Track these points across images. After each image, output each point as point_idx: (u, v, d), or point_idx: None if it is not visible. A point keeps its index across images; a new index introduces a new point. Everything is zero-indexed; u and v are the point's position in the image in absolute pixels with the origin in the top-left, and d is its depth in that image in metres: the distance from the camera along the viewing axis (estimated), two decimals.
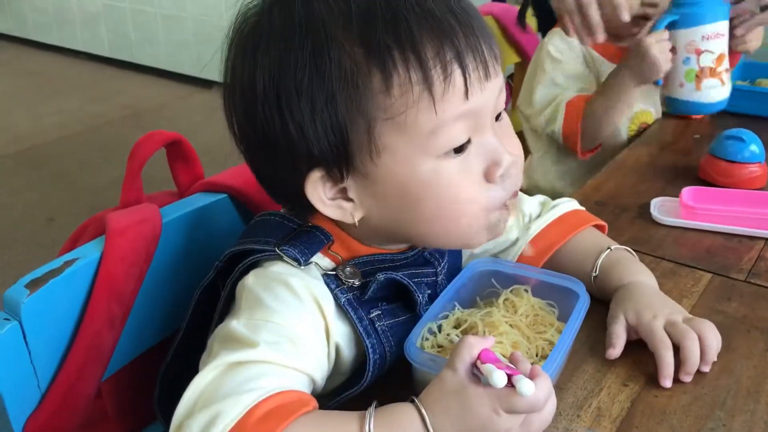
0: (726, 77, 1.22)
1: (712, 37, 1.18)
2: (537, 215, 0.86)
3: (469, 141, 0.62)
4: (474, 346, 0.58)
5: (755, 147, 1.07)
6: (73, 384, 0.71)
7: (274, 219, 0.70)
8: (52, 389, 0.70)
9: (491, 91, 0.62)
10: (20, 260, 2.40)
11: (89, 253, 0.73)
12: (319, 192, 0.63)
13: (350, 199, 0.64)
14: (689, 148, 1.25)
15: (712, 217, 0.97)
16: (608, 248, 0.80)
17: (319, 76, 0.58)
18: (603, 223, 0.88)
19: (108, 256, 0.73)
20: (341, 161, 0.61)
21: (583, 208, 0.88)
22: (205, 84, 4.06)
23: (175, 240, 0.81)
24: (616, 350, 0.71)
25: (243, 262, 0.67)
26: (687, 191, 1.01)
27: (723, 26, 1.19)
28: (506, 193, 0.66)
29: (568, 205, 0.87)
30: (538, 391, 0.54)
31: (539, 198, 0.89)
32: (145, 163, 0.84)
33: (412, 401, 0.56)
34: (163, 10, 4.17)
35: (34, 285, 0.68)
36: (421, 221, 0.64)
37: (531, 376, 0.55)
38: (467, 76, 0.59)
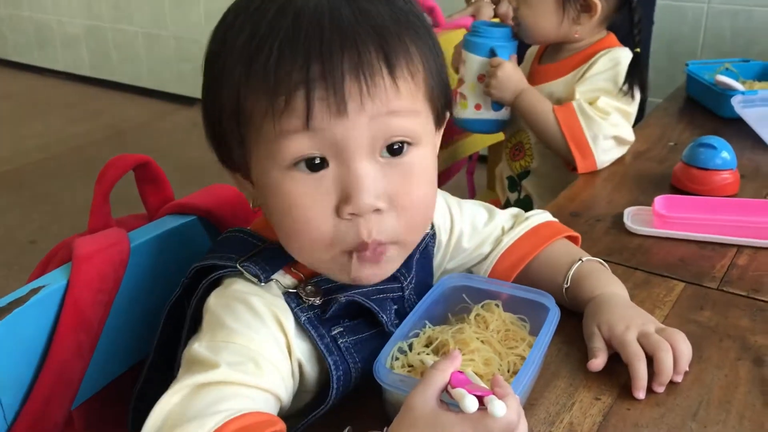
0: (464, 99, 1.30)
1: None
2: (510, 228, 0.85)
3: (326, 163, 0.60)
4: (445, 370, 0.57)
5: (726, 154, 1.08)
6: (40, 412, 0.70)
7: (238, 236, 0.70)
8: (18, 420, 0.69)
9: (354, 125, 0.58)
10: (1, 284, 2.38)
11: (55, 280, 0.72)
12: (232, 168, 0.67)
13: (252, 182, 0.67)
14: (664, 156, 1.25)
15: (684, 225, 0.97)
16: (579, 260, 0.80)
17: (214, 51, 0.63)
18: (576, 234, 0.88)
19: (74, 283, 0.72)
20: (220, 148, 0.66)
21: (556, 220, 0.88)
22: (187, 101, 4.06)
23: (144, 264, 0.80)
24: (598, 361, 0.71)
25: (206, 278, 0.67)
26: (659, 200, 1.01)
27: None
28: (355, 238, 0.61)
29: (541, 216, 0.87)
30: (510, 411, 0.54)
31: (512, 210, 0.89)
32: (113, 187, 0.83)
33: (383, 431, 0.56)
34: (143, 29, 4.17)
35: None
36: (277, 228, 0.65)
37: (500, 397, 0.55)
38: (309, 103, 0.57)
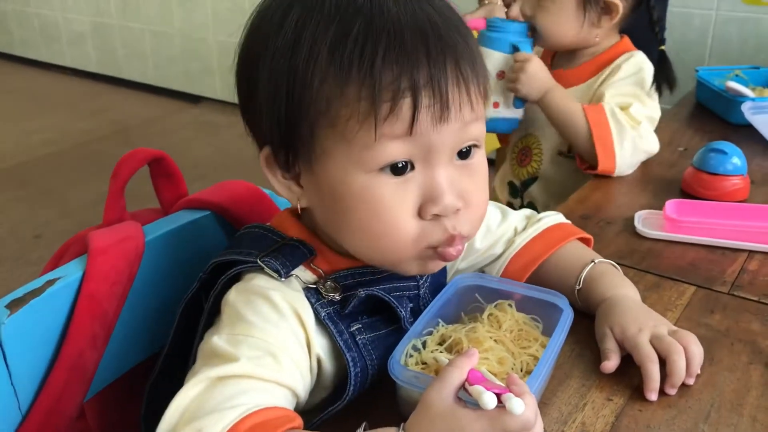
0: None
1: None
2: (522, 229, 0.86)
3: (411, 167, 0.62)
4: (462, 368, 0.58)
5: (737, 159, 1.08)
6: (54, 405, 0.70)
7: (258, 232, 0.71)
8: (32, 410, 0.69)
9: (449, 131, 0.61)
10: (6, 278, 2.38)
11: (71, 272, 0.73)
12: (272, 168, 0.67)
13: (301, 186, 0.67)
14: (674, 161, 1.26)
15: (695, 229, 0.97)
16: (592, 261, 0.81)
17: (288, 61, 0.61)
18: (588, 236, 0.88)
19: (90, 275, 0.72)
20: (287, 149, 0.64)
21: (569, 222, 0.89)
22: (193, 99, 4.07)
23: (159, 258, 0.80)
24: (611, 362, 0.71)
25: (225, 273, 0.67)
26: (670, 204, 1.01)
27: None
28: (438, 237, 0.64)
29: (553, 218, 0.87)
30: (527, 409, 0.54)
31: (525, 212, 0.89)
32: (128, 181, 0.84)
33: (400, 427, 0.56)
34: (151, 26, 4.18)
35: (14, 305, 0.68)
36: (349, 230, 0.65)
37: (516, 395, 0.55)
38: (416, 110, 0.59)
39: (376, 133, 0.59)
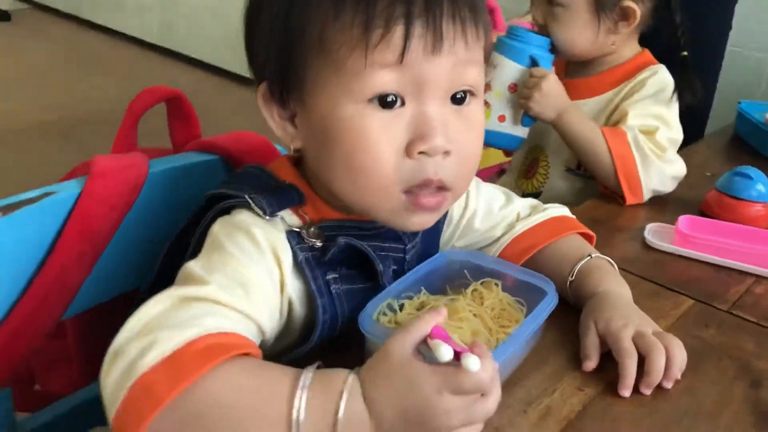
0: (487, 107, 1.17)
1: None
2: (526, 216, 0.85)
3: (402, 102, 0.61)
4: (427, 321, 0.57)
5: (762, 186, 1.05)
6: (31, 313, 0.71)
7: (253, 171, 0.71)
8: (10, 315, 0.70)
9: (441, 66, 0.61)
10: None
11: (69, 188, 0.74)
12: (269, 106, 0.67)
13: (296, 127, 0.67)
14: (698, 183, 1.22)
15: (705, 246, 0.95)
16: (589, 255, 0.79)
17: None
18: (591, 233, 0.86)
19: (87, 194, 0.73)
20: (282, 81, 0.64)
21: (574, 217, 0.87)
22: (244, 81, 4.11)
23: (160, 192, 0.81)
24: (592, 362, 0.69)
25: (214, 207, 0.67)
26: (684, 219, 0.99)
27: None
28: (420, 175, 0.62)
29: (558, 210, 0.86)
30: (483, 369, 0.53)
31: (531, 201, 0.88)
32: (141, 115, 0.85)
33: (354, 371, 0.56)
34: (210, 5, 4.24)
35: (7, 209, 0.69)
36: (333, 165, 0.64)
37: (477, 355, 0.54)
38: (408, 39, 0.59)
39: (367, 60, 0.59)
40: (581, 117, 1.14)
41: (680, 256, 0.95)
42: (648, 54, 1.22)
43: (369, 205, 0.65)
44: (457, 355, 0.53)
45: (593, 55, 1.20)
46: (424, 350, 0.56)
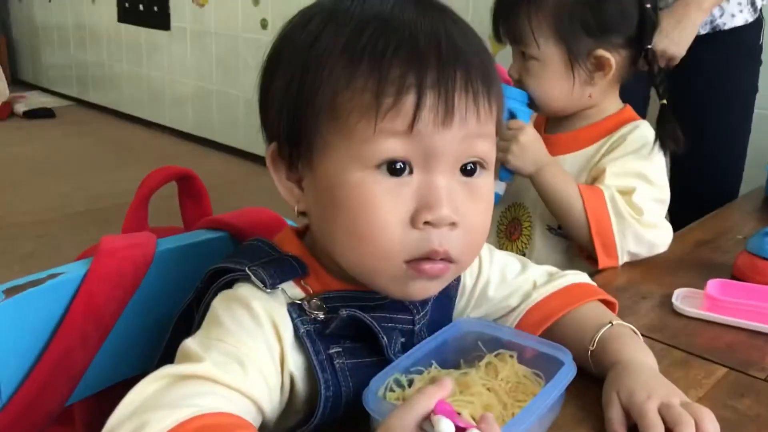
0: None
1: None
2: (543, 283, 0.82)
3: (410, 170, 0.61)
4: (430, 396, 0.54)
5: None
6: (35, 398, 0.70)
7: (256, 244, 0.70)
8: (13, 400, 0.69)
9: (452, 137, 0.60)
10: None
11: (75, 270, 0.74)
12: (277, 166, 0.67)
13: (302, 190, 0.66)
14: (729, 247, 1.18)
15: (737, 311, 0.90)
16: (609, 323, 0.75)
17: (304, 53, 0.62)
18: (613, 300, 0.83)
19: (93, 273, 0.73)
20: (292, 143, 0.64)
21: (594, 283, 0.84)
22: None
23: (168, 271, 0.80)
24: None
25: (217, 281, 0.66)
26: (714, 283, 0.95)
27: None
28: (425, 246, 0.61)
29: (577, 277, 0.83)
30: None
31: (548, 268, 0.85)
32: (152, 193, 0.86)
33: None
34: (245, 94, 4.37)
35: (11, 291, 0.69)
36: (336, 231, 0.63)
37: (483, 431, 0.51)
38: (419, 109, 0.58)
39: (376, 127, 0.59)
40: (560, 172, 1.10)
41: (711, 323, 0.91)
42: (629, 110, 1.18)
43: (369, 270, 0.63)
44: (462, 431, 0.50)
45: (572, 109, 1.16)
46: (427, 427, 0.53)
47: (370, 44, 0.59)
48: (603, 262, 1.08)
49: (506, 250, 1.19)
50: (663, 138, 1.10)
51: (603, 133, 1.15)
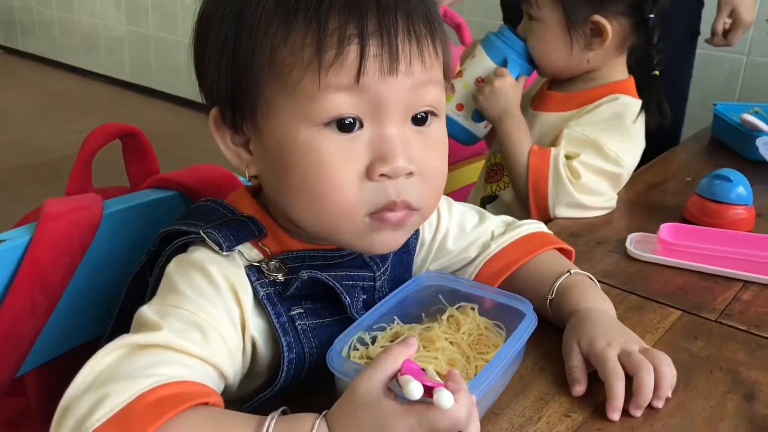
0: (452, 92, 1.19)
1: None
2: (500, 234, 0.81)
3: (360, 125, 0.59)
4: (396, 355, 0.53)
5: (743, 189, 1.02)
6: None
7: (209, 205, 0.68)
8: None
9: (399, 86, 0.58)
10: None
11: (18, 236, 0.70)
12: (221, 131, 0.64)
13: (251, 153, 0.64)
14: (679, 190, 1.20)
15: (689, 254, 0.92)
16: (568, 272, 0.76)
17: (237, 9, 0.59)
18: (569, 248, 0.83)
19: (37, 240, 0.70)
20: (234, 105, 0.61)
21: (550, 232, 0.84)
22: None
23: (116, 233, 0.77)
24: (581, 386, 0.66)
25: (170, 244, 0.64)
26: (666, 227, 0.96)
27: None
28: (383, 198, 0.60)
29: (534, 226, 0.83)
30: (458, 406, 0.49)
31: (505, 218, 0.85)
32: (95, 153, 0.82)
33: (322, 414, 0.52)
34: (184, 39, 4.23)
35: None
36: (290, 192, 0.61)
37: (452, 391, 0.50)
38: (363, 58, 0.56)
39: (321, 83, 0.56)
40: (520, 125, 1.14)
41: (664, 266, 0.92)
42: (629, 81, 1.18)
43: (330, 229, 0.62)
44: (430, 390, 0.50)
45: (570, 73, 1.18)
46: (395, 387, 0.52)
47: None
48: (534, 214, 1.10)
49: (484, 189, 1.26)
50: (648, 108, 1.12)
51: (589, 99, 1.16)
